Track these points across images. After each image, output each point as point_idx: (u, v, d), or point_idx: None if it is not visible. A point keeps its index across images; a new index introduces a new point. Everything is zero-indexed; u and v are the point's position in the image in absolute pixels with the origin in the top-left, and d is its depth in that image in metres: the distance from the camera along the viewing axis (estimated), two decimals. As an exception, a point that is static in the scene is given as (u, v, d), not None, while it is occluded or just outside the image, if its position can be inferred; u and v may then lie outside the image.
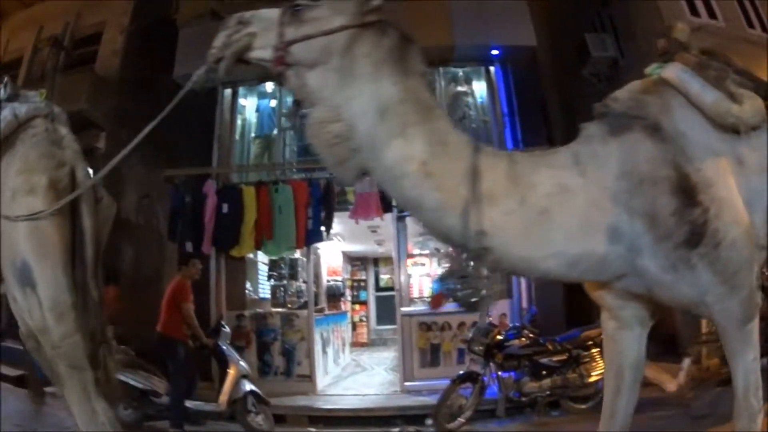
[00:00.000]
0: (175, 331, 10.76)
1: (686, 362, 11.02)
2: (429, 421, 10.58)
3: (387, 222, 14.89)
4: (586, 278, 4.36)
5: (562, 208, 3.98)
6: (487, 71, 15.97)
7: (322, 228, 14.16)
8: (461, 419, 10.43)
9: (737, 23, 16.70)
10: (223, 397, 10.64)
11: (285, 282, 15.97)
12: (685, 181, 4.08)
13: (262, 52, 4.17)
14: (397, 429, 11.00)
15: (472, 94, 15.96)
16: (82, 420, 5.58)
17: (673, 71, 4.51)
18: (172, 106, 4.69)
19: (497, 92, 15.70)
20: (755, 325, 4.37)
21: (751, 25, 16.89)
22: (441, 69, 15.89)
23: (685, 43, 4.67)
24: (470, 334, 11.46)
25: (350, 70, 3.96)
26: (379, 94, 3.91)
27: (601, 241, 4.03)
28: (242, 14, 4.32)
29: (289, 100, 16.70)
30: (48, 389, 13.12)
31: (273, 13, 4.21)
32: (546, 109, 16.95)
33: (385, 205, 13.64)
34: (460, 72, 16.10)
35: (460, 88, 15.88)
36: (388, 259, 14.77)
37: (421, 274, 16.36)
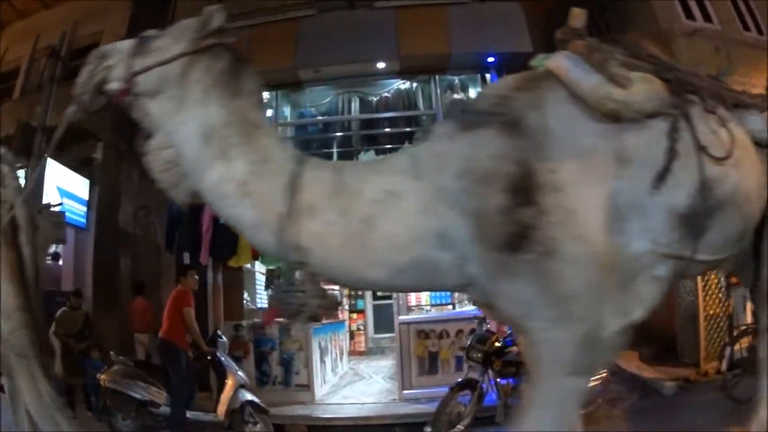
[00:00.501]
0: (178, 339, 10.79)
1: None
2: (428, 429, 10.52)
3: None
4: (421, 288, 4.32)
5: (388, 215, 3.79)
6: (484, 78, 15.99)
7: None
8: (460, 426, 10.38)
9: (733, 26, 16.74)
10: (222, 408, 10.64)
11: (283, 292, 15.71)
12: (527, 180, 3.71)
13: (115, 84, 4.18)
14: None
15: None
16: (30, 400, 6.66)
17: (556, 60, 4.17)
18: (55, 142, 4.89)
19: None
20: (582, 389, 3.93)
21: (746, 28, 16.94)
22: (437, 77, 15.94)
23: (581, 30, 4.28)
24: (468, 342, 11.45)
25: (183, 96, 4.03)
26: (205, 119, 3.97)
27: (431, 248, 3.78)
28: (102, 48, 4.39)
29: (287, 110, 16.82)
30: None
31: (126, 45, 4.28)
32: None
33: None
34: (456, 80, 16.13)
35: (456, 96, 15.89)
36: None
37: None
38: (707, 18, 16.69)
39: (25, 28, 23.74)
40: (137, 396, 10.59)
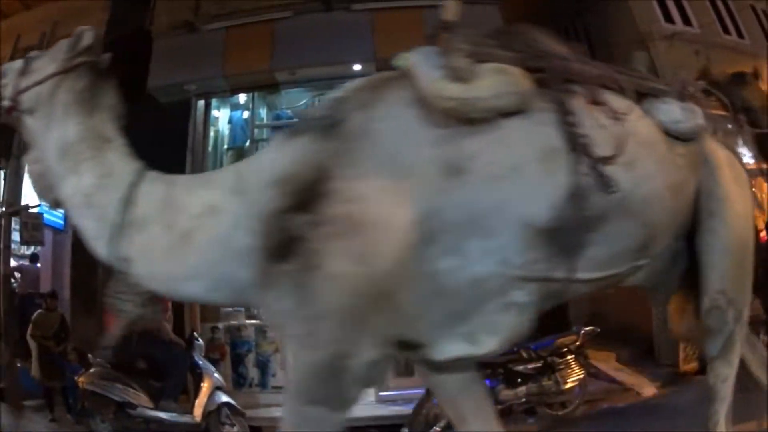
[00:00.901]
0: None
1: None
2: (404, 431, 10.59)
3: None
4: (239, 304, 4.08)
5: (205, 231, 3.69)
6: None
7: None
8: (437, 428, 10.38)
9: (713, 29, 16.83)
10: (198, 410, 10.70)
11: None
12: (314, 186, 3.39)
13: (5, 102, 4.24)
14: None
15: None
16: None
17: (412, 56, 3.71)
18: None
19: None
20: (329, 422, 3.47)
21: (726, 31, 17.04)
22: None
23: (452, 23, 3.70)
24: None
25: (50, 115, 4.05)
26: (63, 136, 4.00)
27: (240, 265, 3.57)
28: (3, 66, 4.41)
29: (263, 111, 16.79)
30: (27, 403, 13.19)
31: (17, 64, 4.30)
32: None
33: None
34: None
35: None
36: None
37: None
38: (687, 21, 16.81)
39: (6, 29, 23.62)
40: (115, 398, 10.61)
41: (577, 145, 3.58)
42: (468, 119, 3.46)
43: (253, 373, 13.77)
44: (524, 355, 11.19)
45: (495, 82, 3.51)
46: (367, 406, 12.72)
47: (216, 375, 11.15)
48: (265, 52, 15.34)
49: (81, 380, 10.82)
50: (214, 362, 12.48)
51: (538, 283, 3.61)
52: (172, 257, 3.75)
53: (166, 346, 11.17)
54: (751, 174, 12.92)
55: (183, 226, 3.71)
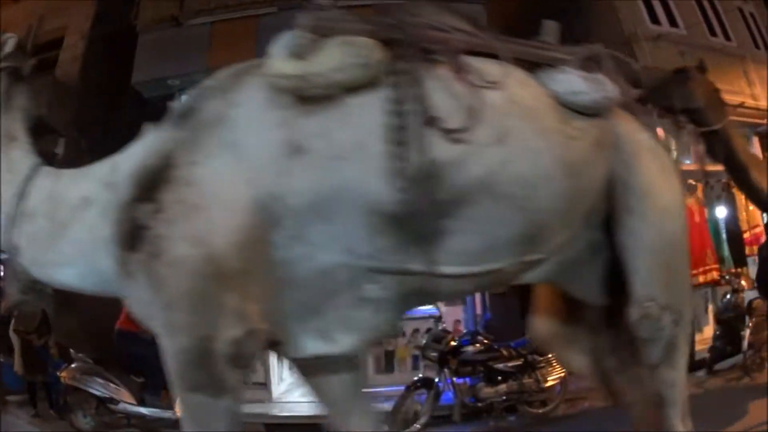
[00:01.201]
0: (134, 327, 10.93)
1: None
2: (384, 428, 10.59)
3: None
4: (111, 293, 4.05)
5: (79, 221, 3.73)
6: None
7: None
8: (417, 425, 10.45)
9: (699, 31, 16.85)
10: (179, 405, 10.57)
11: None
12: (158, 174, 3.40)
13: None
14: None
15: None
16: None
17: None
18: None
19: None
20: (216, 408, 3.37)
21: (713, 33, 17.06)
22: None
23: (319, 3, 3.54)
24: (424, 341, 11.50)
25: None
26: None
27: (105, 255, 3.56)
28: None
29: None
30: (10, 398, 13.15)
31: None
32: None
33: None
34: None
35: None
36: None
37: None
38: (673, 23, 16.81)
39: (-8, 24, 23.57)
40: (97, 393, 10.70)
41: (425, 118, 3.28)
42: (310, 96, 3.32)
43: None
44: (504, 353, 11.23)
45: (337, 55, 3.32)
46: None
47: (197, 370, 11.07)
48: (249, 47, 15.28)
49: (63, 375, 10.88)
50: None
51: (393, 276, 3.40)
52: (50, 246, 3.81)
53: (147, 341, 11.17)
54: (695, 177, 13.02)
55: (62, 217, 3.78)
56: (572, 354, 4.61)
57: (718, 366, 13.19)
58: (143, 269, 3.35)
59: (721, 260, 14.71)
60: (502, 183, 3.39)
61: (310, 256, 3.35)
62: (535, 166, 3.47)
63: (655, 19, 16.61)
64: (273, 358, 11.67)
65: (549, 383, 11.18)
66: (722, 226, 15.17)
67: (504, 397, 11.11)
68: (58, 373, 11.19)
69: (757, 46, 18.50)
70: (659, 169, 4.07)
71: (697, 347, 13.34)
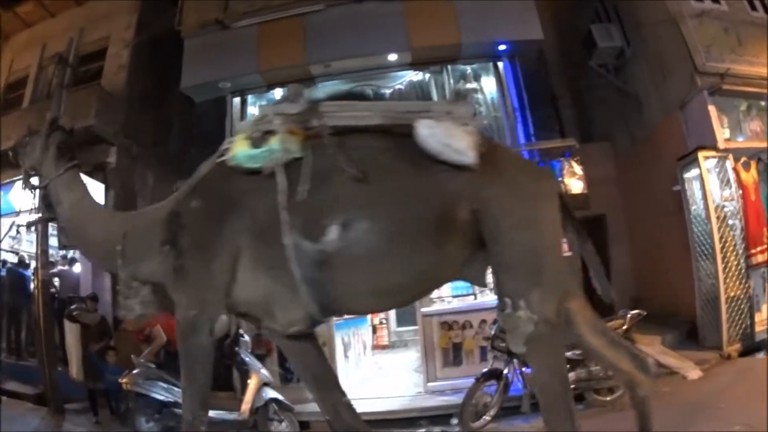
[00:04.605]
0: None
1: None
2: (454, 421, 10.50)
3: None
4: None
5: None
6: (496, 67, 15.86)
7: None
8: (486, 417, 10.28)
9: (740, 6, 16.59)
10: (245, 406, 10.62)
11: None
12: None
13: None
14: (422, 430, 10.90)
15: (482, 90, 15.84)
16: None
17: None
18: None
19: (507, 88, 15.55)
20: None
21: (753, 8, 16.80)
22: (449, 67, 15.79)
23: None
24: (492, 332, 11.33)
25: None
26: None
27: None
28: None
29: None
30: (70, 406, 13.18)
31: None
32: (556, 102, 16.85)
33: None
34: (469, 69, 15.98)
35: (469, 86, 15.76)
36: None
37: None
38: (715, -1, 16.59)
39: (31, 38, 23.85)
40: (160, 397, 10.59)
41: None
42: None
43: (300, 368, 13.46)
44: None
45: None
46: (416, 397, 12.70)
47: (263, 371, 11.06)
48: (298, 46, 15.26)
49: (124, 381, 10.77)
50: (261, 358, 12.31)
51: None
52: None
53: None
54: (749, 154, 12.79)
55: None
56: None
57: (778, 346, 12.87)
58: None
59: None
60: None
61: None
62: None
63: (697, -3, 16.36)
64: (339, 356, 11.57)
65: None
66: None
67: (573, 386, 10.86)
68: (119, 380, 11.02)
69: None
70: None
71: (757, 328, 13.03)
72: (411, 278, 4.88)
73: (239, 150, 4.90)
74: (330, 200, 4.70)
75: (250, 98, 16.72)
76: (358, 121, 4.92)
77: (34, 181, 6.28)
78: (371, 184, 4.66)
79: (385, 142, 4.87)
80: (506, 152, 5.10)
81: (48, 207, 6.28)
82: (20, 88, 23.02)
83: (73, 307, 13.32)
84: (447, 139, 4.62)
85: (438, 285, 5.28)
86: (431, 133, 4.65)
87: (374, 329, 20.57)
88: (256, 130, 4.89)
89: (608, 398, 10.96)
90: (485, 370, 10.73)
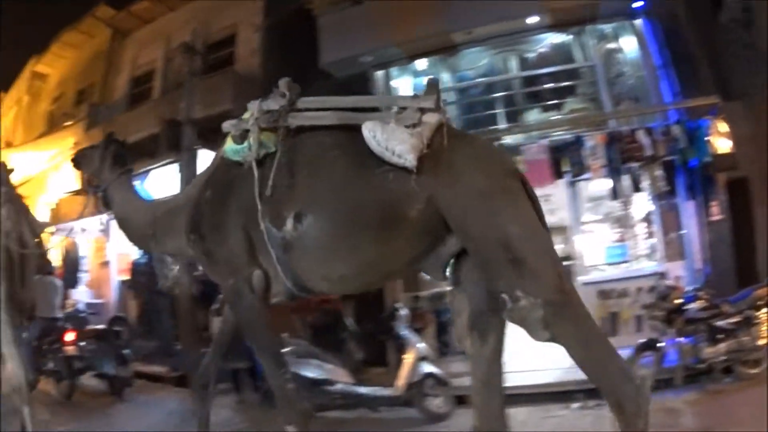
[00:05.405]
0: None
1: None
2: (609, 395, 10.21)
3: (558, 189, 14.31)
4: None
5: None
6: (633, 26, 15.58)
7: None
8: (640, 388, 10.01)
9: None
10: (401, 381, 10.59)
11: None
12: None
13: None
14: (578, 404, 10.65)
15: (622, 50, 15.53)
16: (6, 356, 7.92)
17: None
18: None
19: (647, 46, 15.20)
20: None
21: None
22: (588, 27, 15.47)
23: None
24: (650, 300, 11.09)
25: None
26: None
27: None
28: None
29: (446, 76, 16.58)
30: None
31: None
32: (692, 59, 16.38)
33: (557, 171, 13.39)
34: (608, 29, 15.64)
35: (610, 45, 15.48)
36: (559, 229, 14.18)
37: (596, 241, 14.83)
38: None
39: (151, 33, 24.57)
40: (311, 375, 10.72)
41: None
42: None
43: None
44: (725, 309, 10.74)
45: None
46: (572, 370, 12.19)
47: (420, 345, 11.00)
48: (437, 15, 15.12)
49: (274, 360, 10.87)
50: (418, 332, 12.12)
51: None
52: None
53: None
54: None
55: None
56: None
57: None
58: None
59: None
60: None
61: None
62: None
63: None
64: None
65: (762, 341, 10.53)
66: None
67: (723, 357, 10.57)
68: None
69: None
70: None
71: None
72: (355, 269, 5.22)
73: (227, 146, 5.67)
74: (289, 193, 5.23)
75: (394, 71, 16.72)
76: (315, 121, 5.38)
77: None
78: (321, 180, 5.17)
79: (338, 139, 5.28)
80: (468, 146, 5.18)
81: (106, 206, 7.31)
82: (147, 81, 23.77)
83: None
84: (386, 142, 4.85)
85: (388, 277, 5.60)
86: (372, 136, 4.91)
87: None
88: (237, 129, 5.51)
89: (755, 370, 10.63)
90: (642, 341, 10.54)
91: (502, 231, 4.74)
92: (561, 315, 4.65)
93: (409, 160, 4.77)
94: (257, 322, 5.70)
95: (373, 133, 4.91)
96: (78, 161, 7.70)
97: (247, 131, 5.45)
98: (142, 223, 6.80)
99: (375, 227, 4.98)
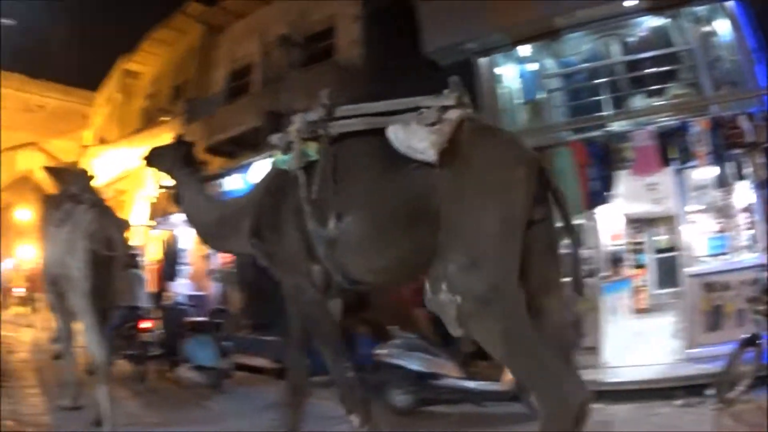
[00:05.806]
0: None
1: None
2: (709, 391, 9.93)
3: (665, 177, 13.72)
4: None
5: None
6: (725, 8, 14.94)
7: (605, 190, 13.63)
8: (740, 387, 9.56)
9: None
10: (508, 376, 10.05)
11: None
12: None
13: None
14: (680, 401, 10.30)
15: (717, 33, 15.19)
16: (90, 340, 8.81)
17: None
18: None
19: (741, 28, 14.52)
20: None
21: None
22: (683, 10, 15.14)
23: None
24: (753, 293, 10.77)
25: None
26: None
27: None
28: None
29: (550, 62, 16.40)
30: (315, 379, 13.60)
31: None
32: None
33: (664, 158, 13.02)
34: (703, 11, 15.30)
35: (705, 29, 15.14)
36: (664, 219, 13.88)
37: (700, 232, 14.13)
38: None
39: (245, 28, 25.03)
40: (417, 368, 10.76)
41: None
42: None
43: (566, 334, 13.01)
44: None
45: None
46: (675, 365, 12.12)
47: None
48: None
49: (381, 353, 11.08)
50: None
51: None
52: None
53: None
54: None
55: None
56: None
57: None
58: None
59: None
60: None
61: None
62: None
63: None
64: (604, 323, 11.14)
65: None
66: None
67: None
68: (373, 351, 11.31)
69: None
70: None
71: None
72: (392, 263, 5.61)
73: (276, 157, 6.41)
74: (330, 196, 5.75)
75: (499, 58, 16.44)
76: (347, 128, 5.91)
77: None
78: (357, 182, 5.69)
79: (371, 143, 5.71)
80: (488, 139, 5.42)
81: (177, 202, 8.00)
82: (245, 75, 24.17)
83: None
84: (408, 141, 5.28)
85: (422, 270, 5.47)
86: (396, 138, 5.39)
87: (635, 291, 19.59)
88: (282, 141, 6.27)
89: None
90: (745, 335, 10.19)
91: (473, 223, 5.01)
92: (479, 316, 4.82)
93: (430, 155, 5.11)
94: (319, 315, 6.25)
95: (395, 134, 5.39)
96: (150, 160, 8.45)
97: (291, 143, 6.14)
98: (208, 222, 7.56)
99: (404, 223, 5.34)
